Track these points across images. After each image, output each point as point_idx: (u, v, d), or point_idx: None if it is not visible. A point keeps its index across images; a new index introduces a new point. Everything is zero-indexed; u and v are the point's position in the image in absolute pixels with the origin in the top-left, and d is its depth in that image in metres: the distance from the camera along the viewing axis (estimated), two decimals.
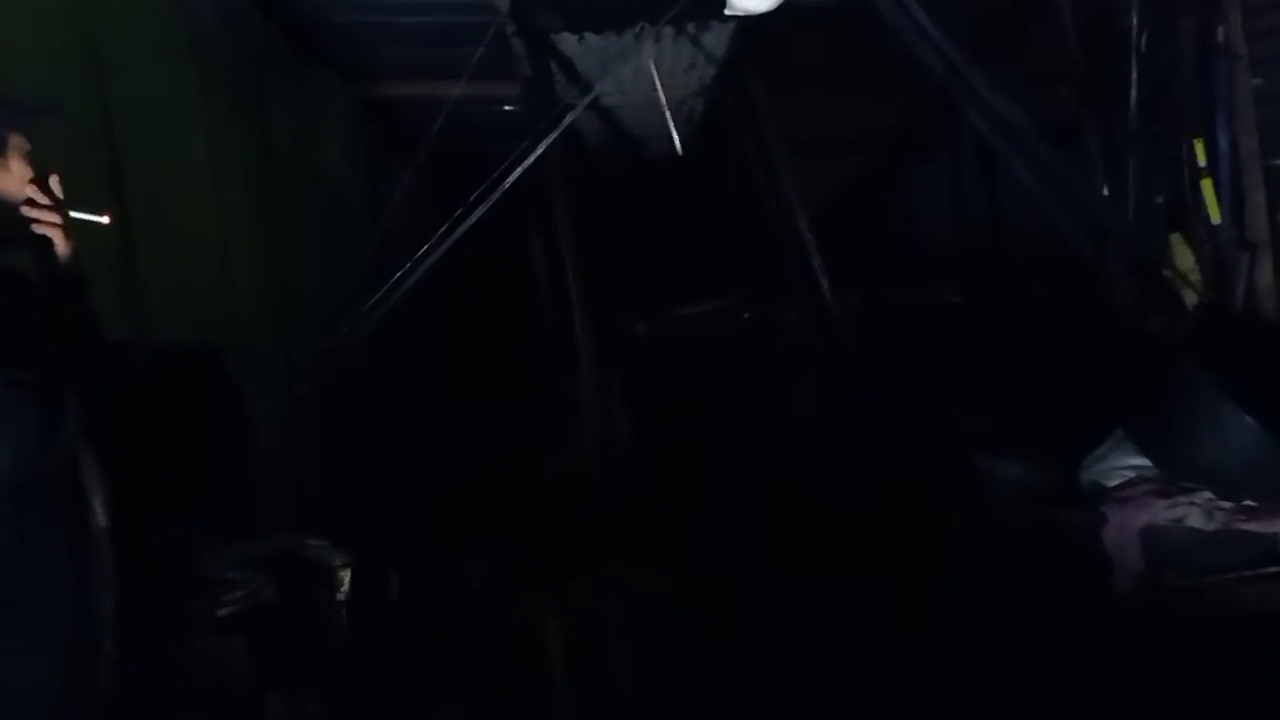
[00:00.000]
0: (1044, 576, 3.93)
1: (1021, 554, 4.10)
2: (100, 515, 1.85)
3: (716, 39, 5.35)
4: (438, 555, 4.72)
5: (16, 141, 1.76)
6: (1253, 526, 3.59)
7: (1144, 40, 4.52)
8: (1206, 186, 4.32)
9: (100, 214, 1.87)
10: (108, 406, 1.79)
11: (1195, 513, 3.61)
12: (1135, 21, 4.51)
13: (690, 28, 5.15)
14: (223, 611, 2.58)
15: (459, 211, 4.45)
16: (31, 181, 1.76)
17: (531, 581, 4.54)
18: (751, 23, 4.93)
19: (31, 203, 1.75)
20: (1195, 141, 4.33)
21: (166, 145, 3.48)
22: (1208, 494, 3.67)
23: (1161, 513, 3.64)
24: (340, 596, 2.95)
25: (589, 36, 5.13)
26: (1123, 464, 4.01)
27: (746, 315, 7.29)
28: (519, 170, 4.63)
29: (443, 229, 4.56)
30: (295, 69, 5.09)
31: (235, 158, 4.07)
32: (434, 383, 6.67)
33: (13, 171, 1.75)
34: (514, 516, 5.18)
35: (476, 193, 4.58)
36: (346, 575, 2.97)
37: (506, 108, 6.16)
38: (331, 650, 2.92)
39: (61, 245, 1.77)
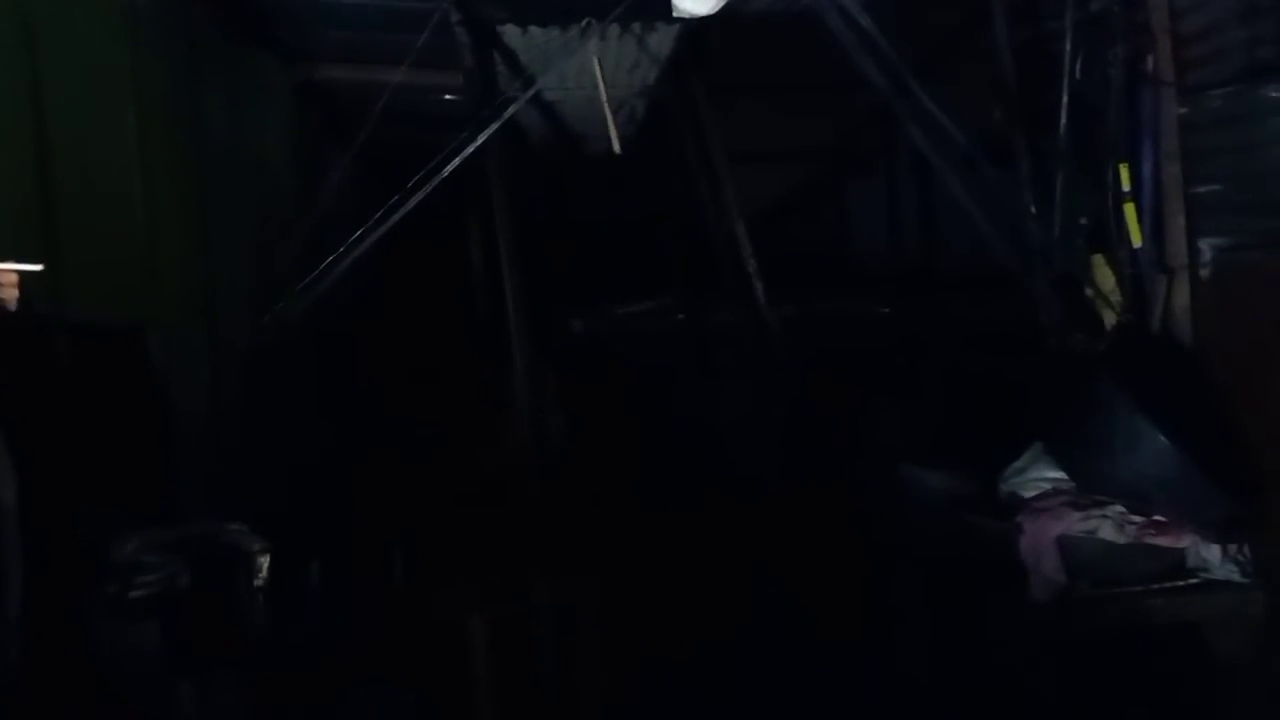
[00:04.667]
0: (964, 581, 4.01)
1: (942, 560, 4.18)
2: (8, 494, 1.79)
3: (661, 40, 5.37)
4: (361, 545, 4.65)
5: None
6: (1162, 540, 3.71)
7: (1076, 66, 4.64)
8: (1129, 210, 4.44)
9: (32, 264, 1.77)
10: (17, 382, 1.73)
11: (1108, 525, 3.72)
12: (1068, 47, 4.63)
13: (635, 27, 5.15)
14: (135, 594, 2.51)
15: (394, 199, 4.40)
16: None
17: (455, 576, 4.49)
18: (696, 25, 4.95)
19: None
20: (1120, 166, 4.45)
21: (96, 121, 3.38)
22: (1120, 507, 3.78)
23: (1076, 524, 3.74)
24: (258, 583, 2.89)
25: (533, 29, 5.11)
26: (1040, 476, 4.12)
27: (682, 317, 7.31)
28: (457, 160, 4.59)
29: (377, 216, 4.50)
30: (232, 49, 4.98)
31: (166, 136, 3.98)
32: (364, 372, 6.57)
33: None
34: (441, 510, 5.13)
35: (413, 181, 4.53)
36: (265, 561, 2.91)
37: (448, 97, 6.10)
38: (247, 637, 2.86)
39: None
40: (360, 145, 4.97)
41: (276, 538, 3.09)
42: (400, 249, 5.28)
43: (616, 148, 5.23)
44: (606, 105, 5.13)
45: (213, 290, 4.32)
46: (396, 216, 4.53)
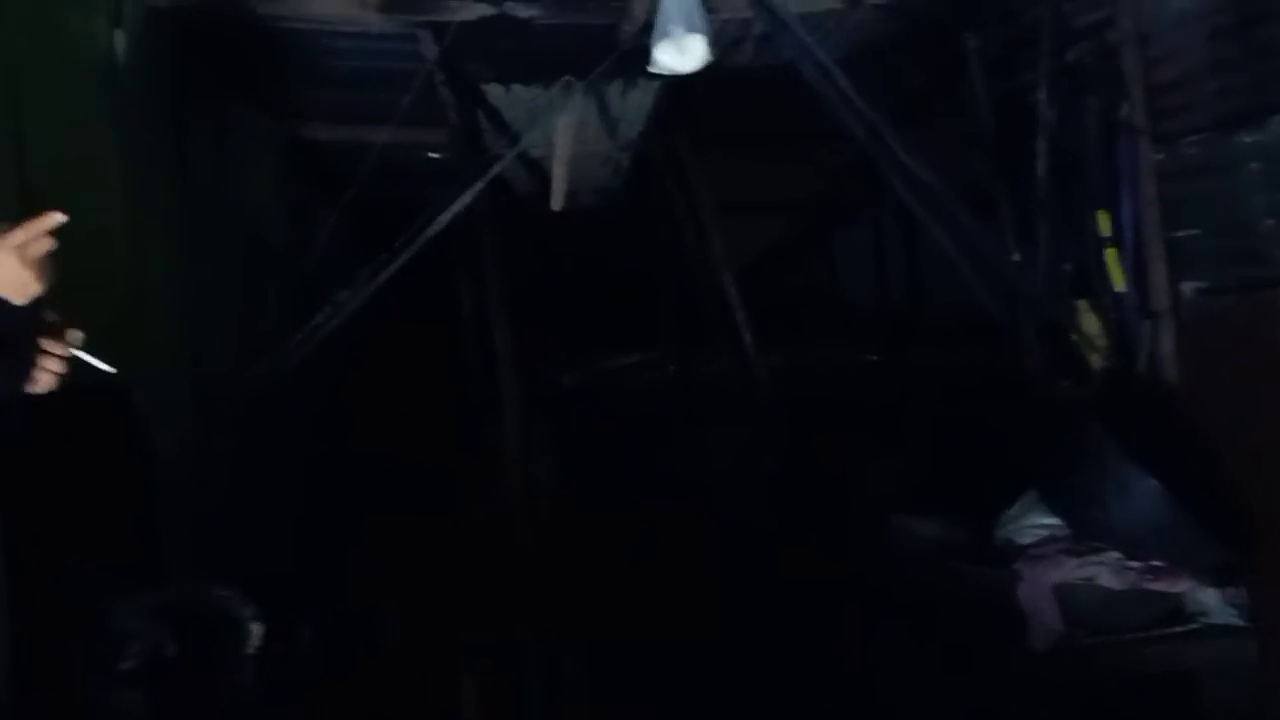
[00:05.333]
0: (960, 632, 3.98)
1: (938, 609, 4.16)
2: None
3: (644, 95, 5.43)
4: (353, 606, 4.60)
5: None
6: (1159, 586, 3.70)
7: (1053, 116, 4.71)
8: (1111, 256, 4.49)
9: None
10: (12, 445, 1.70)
11: (1105, 571, 3.71)
12: (1044, 98, 4.71)
13: (617, 84, 5.22)
14: (124, 665, 2.47)
15: (382, 256, 4.42)
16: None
17: (449, 635, 4.44)
18: (678, 81, 5.02)
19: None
20: (1100, 213, 4.51)
21: (81, 177, 3.39)
22: (1116, 554, 3.77)
23: (1073, 571, 3.73)
24: (249, 650, 2.84)
25: (516, 87, 5.17)
26: (1035, 523, 4.11)
27: (672, 369, 7.33)
28: (445, 217, 4.62)
29: (366, 273, 4.52)
30: (220, 105, 5.02)
31: (152, 192, 3.98)
32: (353, 429, 6.54)
33: None
34: (433, 568, 5.08)
35: (401, 238, 4.55)
36: (257, 628, 2.87)
37: (433, 155, 6.15)
38: (239, 706, 2.81)
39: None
40: (347, 202, 5.00)
41: (266, 601, 3.05)
42: (389, 305, 5.28)
43: (557, 205, 5.26)
44: (561, 163, 5.18)
45: (198, 348, 4.31)
46: (385, 273, 4.54)
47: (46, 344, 1.54)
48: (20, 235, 1.45)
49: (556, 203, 5.27)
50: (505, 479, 5.80)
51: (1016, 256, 5.03)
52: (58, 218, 1.52)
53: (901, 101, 5.37)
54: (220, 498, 4.30)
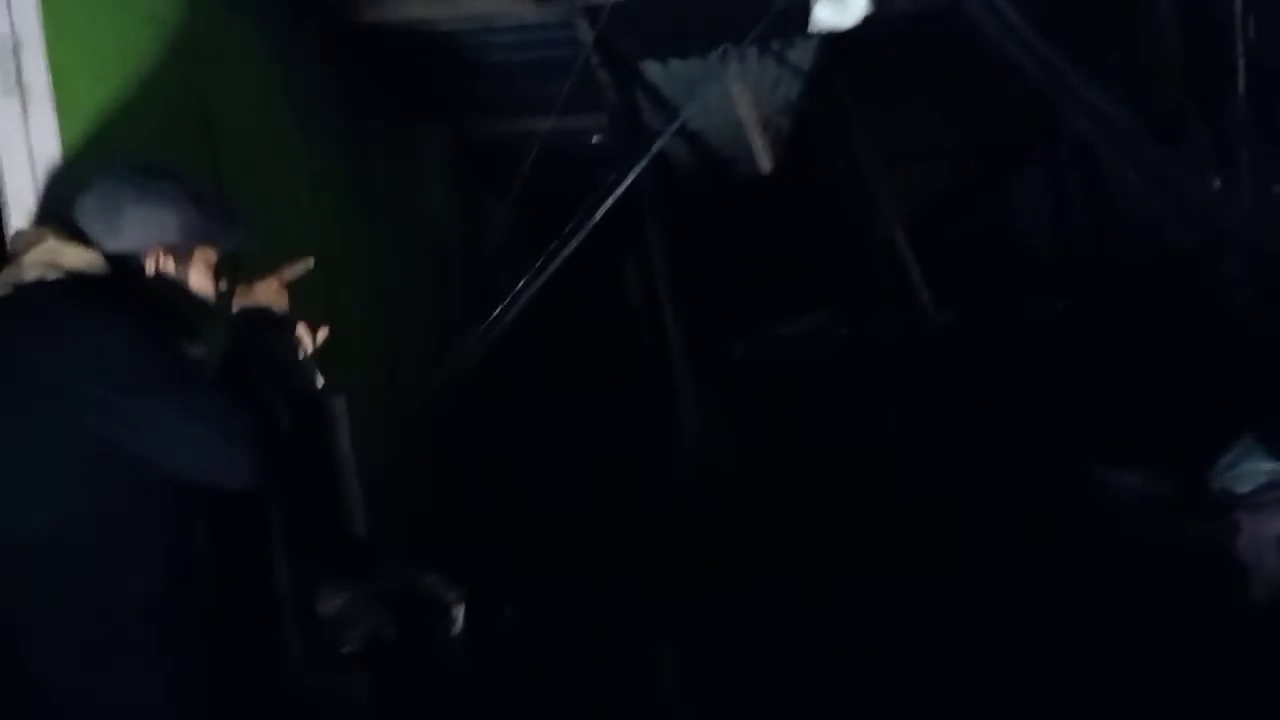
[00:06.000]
0: (1176, 590, 3.76)
1: (1150, 569, 3.93)
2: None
3: (801, 55, 5.32)
4: (548, 586, 4.75)
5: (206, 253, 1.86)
6: None
7: (1249, 27, 4.35)
8: None
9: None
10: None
11: None
12: (1238, 8, 4.34)
13: (775, 45, 5.13)
14: (346, 650, 2.63)
15: (553, 244, 4.50)
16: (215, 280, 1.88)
17: (642, 609, 4.52)
18: (837, 36, 4.89)
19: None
20: None
21: (273, 192, 3.59)
22: None
23: None
24: (455, 631, 2.98)
25: (673, 62, 5.16)
26: (1255, 468, 3.84)
27: (845, 332, 7.19)
28: (610, 200, 4.66)
29: (539, 261, 4.62)
30: (390, 111, 5.23)
31: (339, 203, 4.18)
32: (537, 411, 6.73)
33: (200, 272, 1.85)
34: (619, 545, 5.18)
35: (570, 223, 4.63)
36: (461, 610, 3.00)
37: (595, 139, 6.22)
38: (451, 683, 2.95)
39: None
40: (515, 194, 5.11)
41: (468, 583, 3.19)
42: (564, 289, 5.39)
43: (765, 168, 5.20)
44: (753, 127, 5.12)
45: (394, 350, 4.51)
46: (559, 260, 4.63)
47: (303, 338, 1.95)
48: (287, 272, 1.96)
49: (763, 166, 5.23)
50: (684, 457, 5.84)
51: (1217, 184, 4.68)
52: (308, 263, 2.02)
53: (1079, 31, 5.05)
54: (423, 492, 4.51)
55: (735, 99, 5.21)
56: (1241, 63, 4.39)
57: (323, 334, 2.01)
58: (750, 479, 5.92)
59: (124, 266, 1.74)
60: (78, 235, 1.73)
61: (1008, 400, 5.81)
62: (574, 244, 4.50)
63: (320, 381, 2.03)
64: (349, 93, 4.56)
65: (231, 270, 1.95)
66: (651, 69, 5.22)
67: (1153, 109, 4.72)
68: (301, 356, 1.95)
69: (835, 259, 7.64)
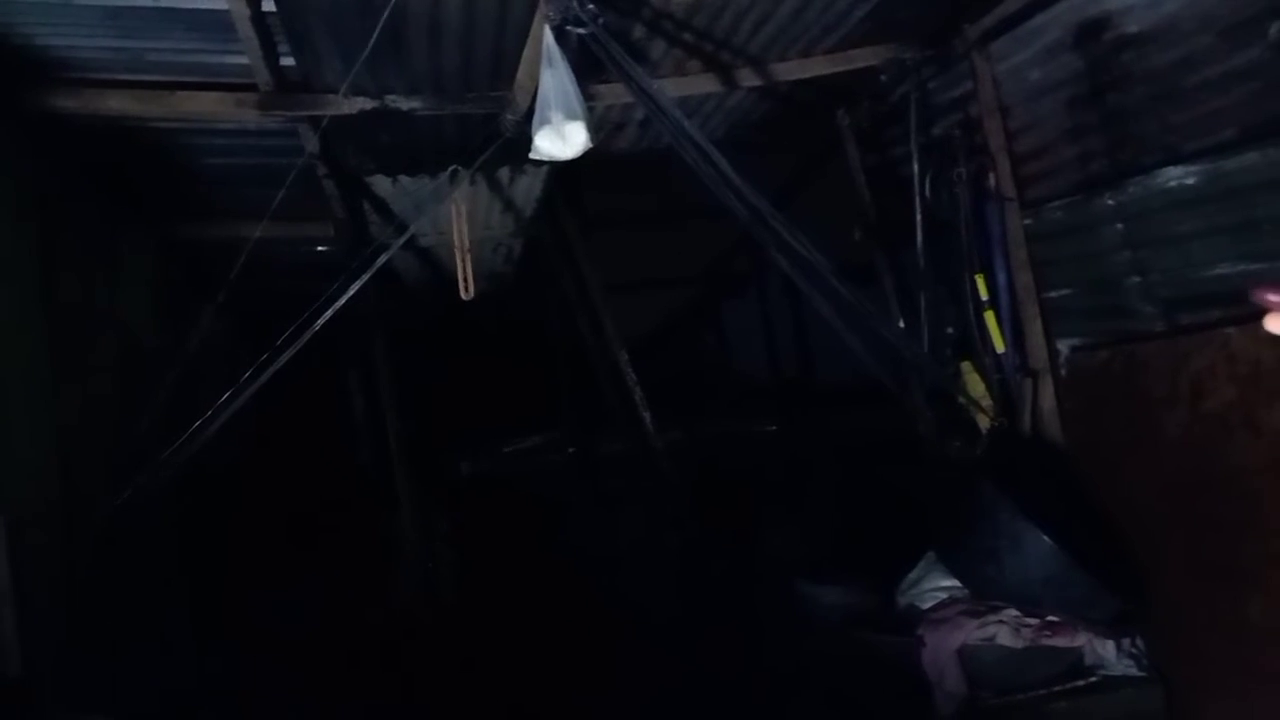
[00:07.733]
0: (868, 700, 3.96)
1: (846, 681, 4.14)
2: None
3: (531, 181, 5.47)
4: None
5: None
6: (1057, 641, 3.75)
7: (925, 186, 4.88)
8: (989, 318, 4.64)
9: None
10: None
11: (1004, 630, 3.75)
12: (916, 169, 4.89)
13: (504, 171, 5.25)
14: None
15: (265, 355, 4.28)
16: None
17: None
18: (564, 166, 5.06)
19: None
20: (977, 277, 4.66)
21: None
22: (1014, 611, 3.82)
23: (974, 633, 3.76)
24: None
25: (402, 179, 5.15)
26: (935, 586, 4.15)
27: (572, 450, 7.27)
28: (331, 310, 4.52)
29: (250, 371, 4.37)
30: (91, 210, 4.86)
31: (12, 307, 3.79)
32: (244, 533, 6.29)
33: None
34: (335, 671, 4.87)
35: (287, 333, 4.43)
36: None
37: (320, 248, 6.06)
38: None
39: None
40: (227, 299, 4.85)
41: None
42: (279, 403, 5.13)
43: (465, 294, 5.20)
44: (460, 252, 5.13)
45: (75, 469, 4.08)
46: (271, 370, 4.40)
47: None
48: None
49: (467, 291, 5.20)
50: (406, 573, 5.63)
51: (901, 324, 5.16)
52: None
53: (780, 179, 5.51)
54: (98, 619, 4.06)
55: (452, 220, 5.23)
56: (919, 217, 4.92)
57: None
58: (470, 596, 5.79)
59: None
60: None
61: (724, 518, 6.03)
62: (289, 353, 4.29)
63: None
64: (38, 186, 4.18)
65: None
66: (380, 184, 5.18)
67: (846, 255, 5.17)
68: None
69: (564, 379, 7.76)
